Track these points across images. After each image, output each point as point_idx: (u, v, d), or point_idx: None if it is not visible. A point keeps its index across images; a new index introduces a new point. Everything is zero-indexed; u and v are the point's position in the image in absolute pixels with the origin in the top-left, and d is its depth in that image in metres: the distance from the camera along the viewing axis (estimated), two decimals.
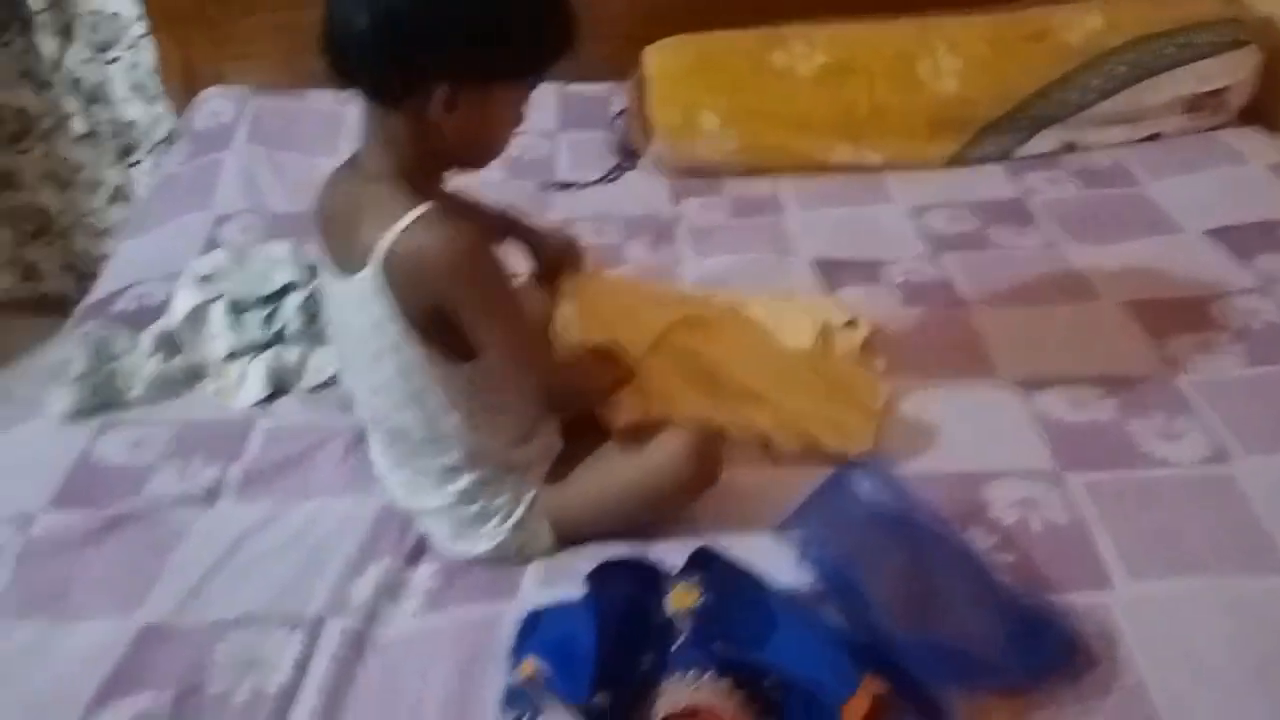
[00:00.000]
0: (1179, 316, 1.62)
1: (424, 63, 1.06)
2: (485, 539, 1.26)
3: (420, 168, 1.14)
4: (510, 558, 1.26)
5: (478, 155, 1.18)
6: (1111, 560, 1.21)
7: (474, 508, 1.25)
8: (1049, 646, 1.09)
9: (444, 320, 1.12)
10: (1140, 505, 1.29)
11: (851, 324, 1.61)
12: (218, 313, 1.60)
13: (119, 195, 2.67)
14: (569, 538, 1.27)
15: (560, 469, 1.30)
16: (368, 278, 1.10)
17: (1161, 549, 1.22)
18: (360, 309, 1.13)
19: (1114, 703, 1.05)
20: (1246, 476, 1.32)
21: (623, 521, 1.25)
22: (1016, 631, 1.09)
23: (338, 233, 1.18)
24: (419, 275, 1.09)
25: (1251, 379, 1.49)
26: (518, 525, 1.25)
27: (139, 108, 2.57)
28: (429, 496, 1.26)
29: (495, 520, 1.26)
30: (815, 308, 1.64)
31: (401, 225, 1.08)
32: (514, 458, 1.27)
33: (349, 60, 1.09)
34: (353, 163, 1.19)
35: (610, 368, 1.34)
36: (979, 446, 1.39)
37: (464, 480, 1.24)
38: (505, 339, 1.15)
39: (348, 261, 1.14)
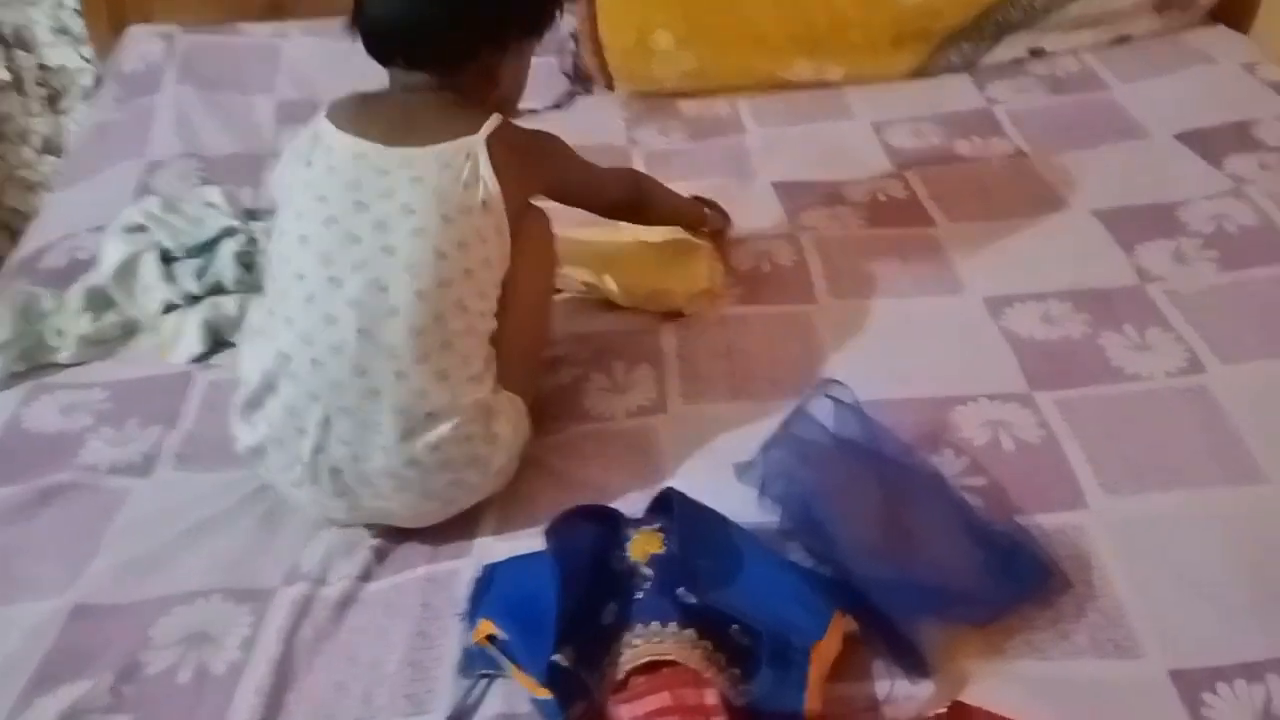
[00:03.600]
0: (1150, 224, 1.57)
1: (509, 23, 1.21)
2: (499, 447, 1.17)
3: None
4: (511, 464, 1.22)
5: (515, 102, 1.31)
6: (1086, 479, 1.18)
7: (480, 427, 1.15)
8: (1021, 573, 1.05)
9: (514, 212, 1.18)
10: (1114, 421, 1.25)
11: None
12: (149, 264, 1.52)
13: (50, 147, 2.55)
14: (531, 395, 1.26)
15: None
16: (466, 145, 1.14)
17: (1137, 465, 1.19)
18: (441, 171, 1.13)
19: (1090, 624, 1.03)
20: (1221, 387, 1.28)
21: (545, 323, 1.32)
22: (988, 560, 1.06)
23: (383, 115, 1.19)
24: (529, 156, 1.20)
25: (1224, 286, 1.45)
26: (508, 416, 1.19)
27: (65, 52, 2.44)
28: (441, 413, 1.12)
29: (497, 422, 1.17)
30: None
31: (496, 120, 1.17)
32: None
33: (433, 38, 1.17)
34: (401, 91, 1.22)
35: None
36: (947, 367, 1.35)
37: (481, 391, 1.16)
38: (590, 172, 1.35)
39: (409, 137, 1.15)
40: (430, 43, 1.18)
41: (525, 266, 1.22)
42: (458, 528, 1.19)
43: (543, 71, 2.12)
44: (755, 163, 1.85)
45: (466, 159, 1.14)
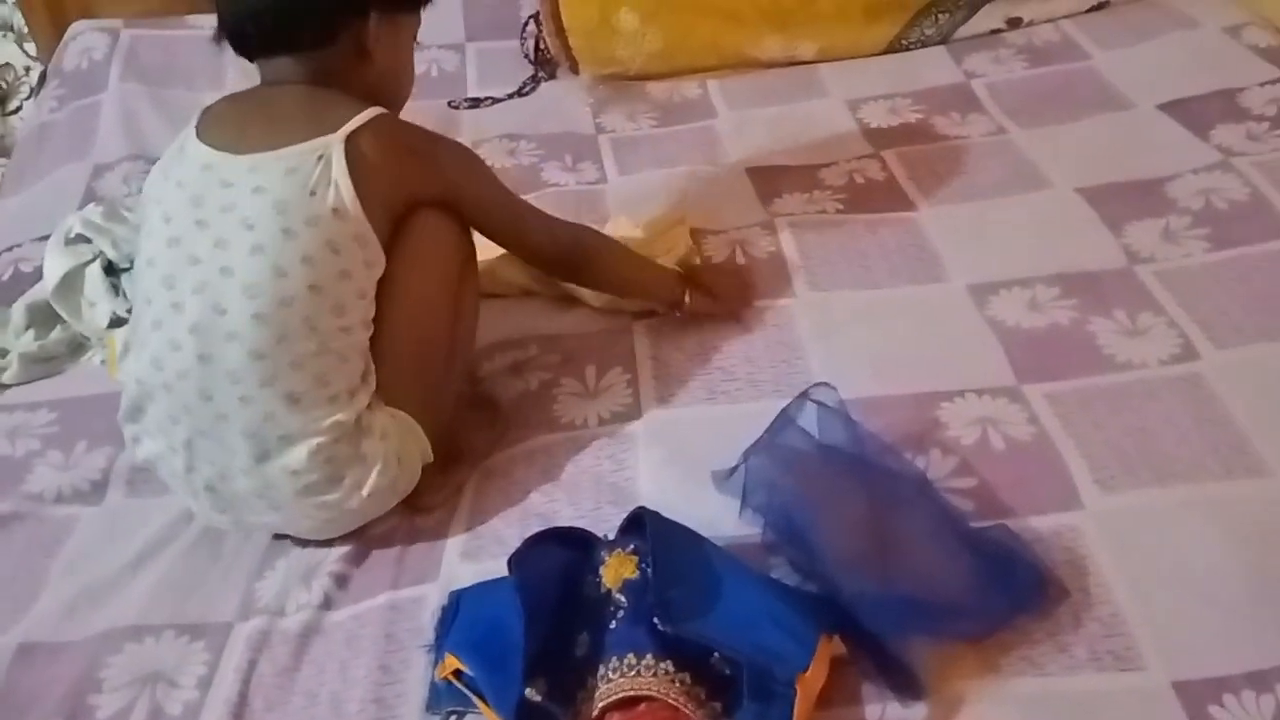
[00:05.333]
0: (1136, 201, 1.52)
1: None
2: (370, 468, 1.08)
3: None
4: (391, 486, 1.12)
5: (400, 87, 1.22)
6: (1080, 476, 1.13)
7: (346, 448, 1.07)
8: (1016, 583, 1.00)
9: (387, 215, 1.09)
10: (1107, 414, 1.20)
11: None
12: (93, 277, 1.44)
13: (2, 148, 2.45)
14: (433, 405, 1.16)
15: None
16: (319, 146, 1.05)
17: (1133, 460, 1.14)
18: (285, 179, 1.04)
19: (1089, 635, 0.98)
20: (1217, 373, 1.23)
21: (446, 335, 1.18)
22: (980, 570, 1.00)
23: (243, 118, 1.12)
24: (410, 155, 1.11)
25: (1216, 265, 1.39)
26: (388, 434, 1.10)
27: (8, 49, 2.35)
28: (295, 436, 1.05)
29: (369, 441, 1.09)
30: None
31: (367, 115, 1.07)
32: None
33: (283, 13, 1.09)
34: (268, 86, 1.14)
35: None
36: (932, 361, 1.29)
37: (346, 411, 1.07)
38: (509, 200, 1.23)
39: (263, 140, 1.07)
40: (280, 15, 1.08)
41: (408, 274, 1.11)
42: (422, 548, 1.14)
43: (504, 57, 2.06)
44: (727, 146, 1.79)
45: (319, 161, 1.04)
